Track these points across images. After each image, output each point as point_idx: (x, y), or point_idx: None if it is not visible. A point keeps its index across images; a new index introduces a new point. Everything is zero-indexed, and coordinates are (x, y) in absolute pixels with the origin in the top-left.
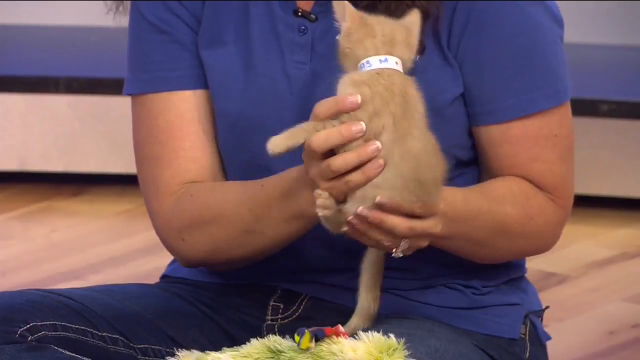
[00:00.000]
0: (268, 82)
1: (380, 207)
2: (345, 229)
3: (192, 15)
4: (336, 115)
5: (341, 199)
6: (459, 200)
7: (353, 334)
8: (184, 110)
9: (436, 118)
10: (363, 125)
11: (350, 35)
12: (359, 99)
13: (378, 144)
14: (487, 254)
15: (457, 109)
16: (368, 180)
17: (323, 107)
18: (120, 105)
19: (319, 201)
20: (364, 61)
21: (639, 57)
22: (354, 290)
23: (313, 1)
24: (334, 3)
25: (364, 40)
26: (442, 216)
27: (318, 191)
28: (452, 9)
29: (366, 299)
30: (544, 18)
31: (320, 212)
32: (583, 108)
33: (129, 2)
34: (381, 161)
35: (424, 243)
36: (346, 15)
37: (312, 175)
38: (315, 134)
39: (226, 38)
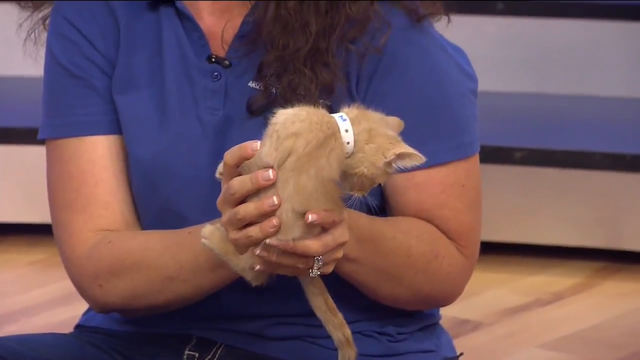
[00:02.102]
0: (181, 127)
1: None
2: (257, 267)
3: (106, 60)
4: (240, 163)
5: (244, 252)
6: (363, 219)
7: None
8: (97, 156)
9: None
10: (270, 174)
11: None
12: (258, 145)
13: (275, 200)
14: (391, 289)
15: None
16: (265, 237)
17: (229, 154)
18: (33, 155)
19: (203, 230)
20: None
21: (552, 105)
22: (268, 338)
23: (227, 47)
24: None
25: (353, 105)
26: (346, 224)
27: (207, 225)
28: (362, 53)
29: (335, 333)
30: (453, 70)
31: (202, 240)
32: (497, 155)
33: (43, 38)
34: (275, 221)
35: (339, 254)
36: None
37: (223, 223)
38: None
39: (140, 83)
